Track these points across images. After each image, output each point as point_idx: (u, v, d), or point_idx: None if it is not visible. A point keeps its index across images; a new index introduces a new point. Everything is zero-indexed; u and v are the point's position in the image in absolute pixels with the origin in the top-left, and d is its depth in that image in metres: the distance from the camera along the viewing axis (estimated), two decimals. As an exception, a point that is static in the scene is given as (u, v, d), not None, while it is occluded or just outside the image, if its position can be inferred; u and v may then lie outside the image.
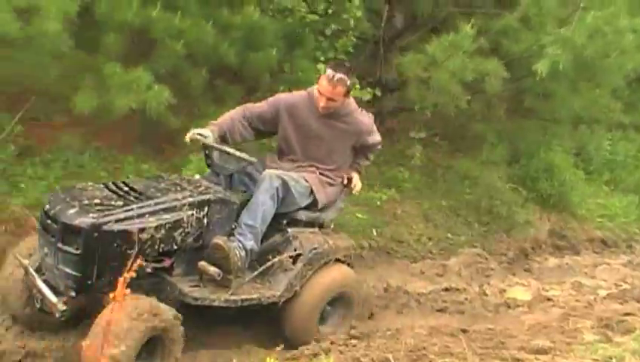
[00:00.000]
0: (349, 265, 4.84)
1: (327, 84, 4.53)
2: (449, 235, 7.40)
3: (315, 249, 4.55)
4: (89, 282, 3.78)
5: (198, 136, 4.42)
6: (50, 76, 5.38)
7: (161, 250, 3.99)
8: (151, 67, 5.56)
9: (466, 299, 5.93)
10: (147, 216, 3.90)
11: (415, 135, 8.22)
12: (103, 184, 4.25)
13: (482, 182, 8.27)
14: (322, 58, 6.95)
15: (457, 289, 6.13)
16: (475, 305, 5.83)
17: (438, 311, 5.65)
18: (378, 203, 7.19)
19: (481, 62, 6.59)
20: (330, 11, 7.13)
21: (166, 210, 3.98)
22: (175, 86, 5.71)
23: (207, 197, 4.20)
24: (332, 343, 4.34)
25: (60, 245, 3.77)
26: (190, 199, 4.11)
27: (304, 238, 4.57)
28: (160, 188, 4.21)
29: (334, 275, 4.68)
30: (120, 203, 3.94)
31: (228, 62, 5.91)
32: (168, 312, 3.78)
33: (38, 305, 4.04)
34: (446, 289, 6.12)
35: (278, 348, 4.09)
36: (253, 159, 4.39)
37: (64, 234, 3.77)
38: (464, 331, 4.81)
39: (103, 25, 5.40)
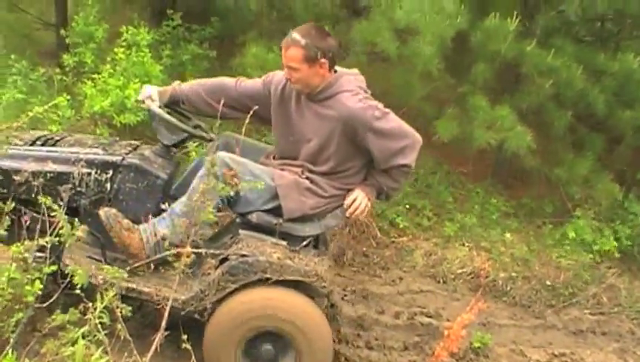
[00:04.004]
0: (312, 298, 3.48)
1: (282, 48, 3.54)
2: None
3: (244, 256, 3.38)
4: None
5: (147, 102, 3.76)
6: (416, 95, 5.61)
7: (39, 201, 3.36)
8: (515, 103, 5.53)
9: None
10: (30, 159, 3.54)
11: None
12: (50, 132, 4.07)
13: None
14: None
15: None
16: None
17: None
18: None
19: None
20: None
21: (55, 160, 3.58)
22: (535, 124, 5.62)
23: (113, 159, 3.64)
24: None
25: None
26: (91, 156, 3.62)
27: (247, 243, 3.47)
28: (80, 142, 3.82)
29: (268, 299, 3.39)
30: (25, 145, 3.69)
31: (594, 110, 5.61)
32: None
33: None
34: None
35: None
36: (203, 134, 3.81)
37: None
38: None
39: (474, 53, 5.50)
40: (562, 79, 5.44)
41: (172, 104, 3.84)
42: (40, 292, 2.90)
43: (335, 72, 3.60)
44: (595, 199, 6.11)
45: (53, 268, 3.08)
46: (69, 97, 5.12)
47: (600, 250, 5.82)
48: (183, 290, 3.38)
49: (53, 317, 2.74)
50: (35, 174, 3.47)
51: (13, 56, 5.63)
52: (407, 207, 5.93)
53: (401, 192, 4.81)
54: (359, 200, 3.63)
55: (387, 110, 3.52)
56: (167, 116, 3.68)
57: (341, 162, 3.60)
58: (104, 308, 2.81)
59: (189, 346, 2.90)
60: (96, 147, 3.75)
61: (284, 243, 3.53)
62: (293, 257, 3.45)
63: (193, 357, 2.97)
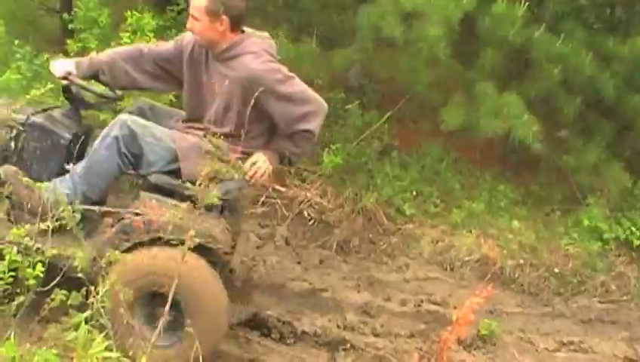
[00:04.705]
0: (210, 262, 3.39)
1: None
2: None
3: (137, 215, 3.34)
4: None
5: (70, 77, 3.66)
6: (422, 81, 5.54)
7: None
8: (523, 90, 5.47)
9: None
10: None
11: None
12: None
13: None
14: None
15: None
16: None
17: None
18: None
19: None
20: None
21: None
22: (544, 112, 5.57)
23: (18, 117, 3.62)
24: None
25: None
26: None
27: (145, 204, 3.39)
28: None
29: (157, 258, 3.30)
30: None
31: (604, 96, 5.54)
32: None
33: None
34: None
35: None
36: (112, 94, 3.77)
37: None
38: None
39: (482, 39, 5.43)
40: (571, 65, 5.39)
41: (91, 76, 3.77)
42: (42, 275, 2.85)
43: (242, 32, 3.57)
44: (604, 187, 6.04)
45: (54, 251, 3.02)
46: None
47: (614, 238, 5.76)
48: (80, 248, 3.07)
49: (52, 297, 2.69)
50: None
51: (16, 42, 5.59)
52: (414, 193, 5.87)
53: (301, 158, 4.39)
54: (259, 163, 3.56)
55: (291, 75, 3.51)
56: (92, 87, 3.69)
57: (242, 125, 3.47)
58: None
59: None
60: (6, 108, 3.70)
61: (185, 204, 3.25)
62: (187, 218, 3.22)
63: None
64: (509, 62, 5.65)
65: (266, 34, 3.69)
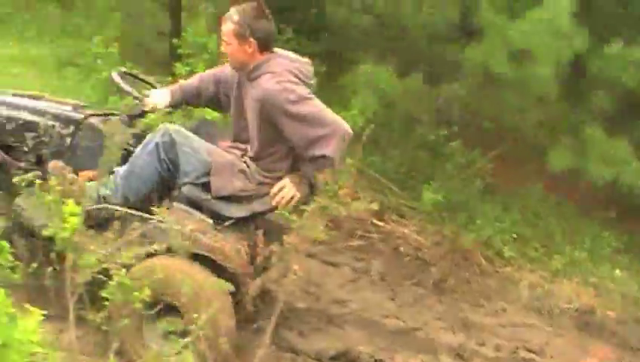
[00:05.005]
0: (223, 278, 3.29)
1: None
2: None
3: (160, 222, 3.34)
4: None
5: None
6: (529, 121, 5.46)
7: (11, 143, 3.91)
8: (635, 136, 5.30)
9: None
10: (9, 107, 3.94)
11: None
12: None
13: None
14: None
15: None
16: None
17: None
18: None
19: None
20: None
21: (27, 109, 3.94)
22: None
23: (74, 116, 3.92)
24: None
25: None
26: (57, 111, 3.94)
27: (172, 213, 3.41)
28: (54, 100, 4.14)
29: (166, 268, 3.30)
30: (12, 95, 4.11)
31: None
32: None
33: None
34: None
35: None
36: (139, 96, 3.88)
37: None
38: None
39: (593, 80, 5.28)
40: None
41: (176, 103, 3.97)
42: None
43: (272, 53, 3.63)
44: None
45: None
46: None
47: None
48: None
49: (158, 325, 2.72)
50: (9, 119, 3.88)
51: (128, 64, 5.77)
52: (515, 236, 5.73)
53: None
54: (285, 189, 3.55)
55: (309, 96, 3.48)
56: (123, 84, 3.91)
57: (265, 146, 3.57)
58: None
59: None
60: (69, 105, 4.03)
61: (210, 221, 3.47)
62: (205, 233, 3.38)
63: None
64: (620, 105, 5.46)
65: (294, 55, 3.71)
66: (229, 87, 3.82)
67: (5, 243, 2.69)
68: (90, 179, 3.34)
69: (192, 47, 5.93)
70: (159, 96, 3.92)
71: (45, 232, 2.75)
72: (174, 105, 3.95)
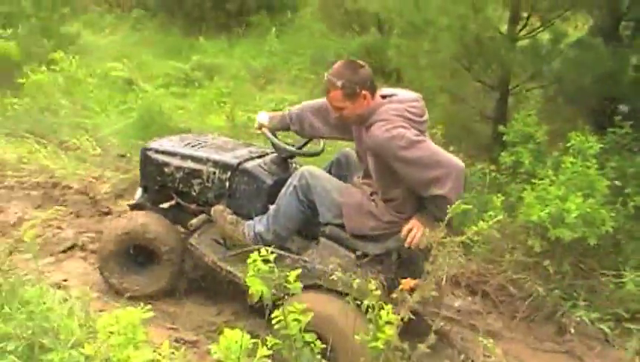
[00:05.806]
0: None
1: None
2: None
3: (305, 261, 3.89)
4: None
5: (263, 130, 4.34)
6: None
7: (180, 189, 4.50)
8: None
9: None
10: (177, 156, 4.48)
11: None
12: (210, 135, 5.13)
13: None
14: None
15: None
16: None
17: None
18: None
19: None
20: None
21: (192, 159, 4.43)
22: None
23: (232, 162, 4.31)
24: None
25: None
26: (216, 158, 4.37)
27: (319, 250, 3.92)
28: (216, 145, 4.62)
29: (311, 303, 3.31)
30: (182, 143, 4.65)
31: None
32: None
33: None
34: None
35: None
36: (289, 148, 4.29)
37: None
38: None
39: None
40: None
41: (282, 128, 4.34)
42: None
43: (383, 98, 3.73)
44: None
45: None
46: (502, 197, 4.96)
47: None
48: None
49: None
50: (177, 168, 4.45)
51: (451, 148, 5.67)
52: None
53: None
54: (415, 230, 3.65)
55: (419, 138, 3.52)
56: (275, 140, 4.27)
57: (386, 190, 3.77)
58: None
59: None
60: (222, 150, 4.51)
61: (352, 256, 3.86)
62: (346, 270, 3.61)
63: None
64: None
65: (402, 97, 3.73)
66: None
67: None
68: (412, 289, 3.24)
69: (519, 135, 5.66)
70: (259, 117, 4.37)
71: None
72: (277, 128, 4.32)
